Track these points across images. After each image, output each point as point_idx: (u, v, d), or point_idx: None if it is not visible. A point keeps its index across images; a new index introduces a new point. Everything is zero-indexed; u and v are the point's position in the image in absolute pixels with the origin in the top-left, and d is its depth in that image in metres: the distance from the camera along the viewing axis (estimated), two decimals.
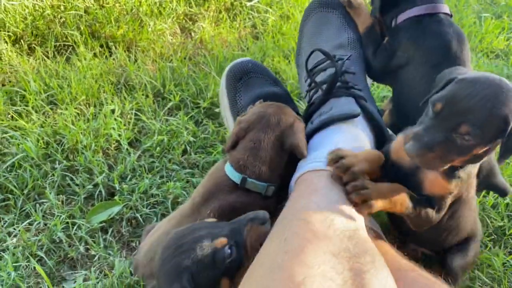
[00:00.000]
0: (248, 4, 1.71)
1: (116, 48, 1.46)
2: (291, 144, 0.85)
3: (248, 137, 0.87)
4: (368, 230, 0.87)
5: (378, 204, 0.73)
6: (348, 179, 0.75)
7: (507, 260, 1.04)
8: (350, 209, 0.70)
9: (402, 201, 0.75)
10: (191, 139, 1.21)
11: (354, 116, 0.87)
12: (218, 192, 0.84)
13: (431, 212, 0.78)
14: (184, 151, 1.21)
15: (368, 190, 0.73)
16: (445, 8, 1.00)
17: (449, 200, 0.80)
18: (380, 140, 0.92)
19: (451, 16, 1.01)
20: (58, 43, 1.47)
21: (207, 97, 1.31)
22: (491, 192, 1.16)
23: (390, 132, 1.06)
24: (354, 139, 0.85)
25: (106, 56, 1.44)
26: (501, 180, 1.01)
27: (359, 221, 0.70)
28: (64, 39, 1.48)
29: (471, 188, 0.86)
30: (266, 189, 0.85)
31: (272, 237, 0.66)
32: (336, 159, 0.77)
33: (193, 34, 1.61)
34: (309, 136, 0.90)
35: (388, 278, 0.61)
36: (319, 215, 0.66)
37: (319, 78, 0.98)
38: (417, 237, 0.95)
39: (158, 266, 0.72)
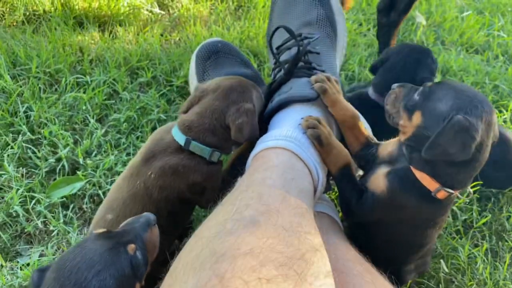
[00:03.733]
0: None
1: (88, 20, 1.40)
2: (229, 121, 0.82)
3: (199, 102, 0.85)
4: (323, 216, 0.87)
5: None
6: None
7: (472, 252, 1.05)
8: (304, 190, 0.69)
9: (336, 163, 0.81)
10: (162, 117, 1.18)
11: (311, 99, 0.86)
12: (160, 152, 0.81)
13: (354, 199, 0.80)
14: (154, 129, 1.16)
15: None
16: None
17: (376, 204, 0.79)
18: (339, 126, 0.90)
19: None
20: (27, 12, 1.41)
21: (180, 75, 1.27)
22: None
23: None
24: None
25: (78, 30, 1.39)
26: None
27: (310, 203, 0.69)
28: (34, 8, 1.41)
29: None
30: (210, 154, 0.82)
31: (224, 205, 0.64)
32: (314, 125, 0.81)
33: (171, 10, 1.56)
34: (269, 115, 0.89)
35: (330, 272, 0.59)
36: (273, 190, 0.64)
37: (284, 56, 0.95)
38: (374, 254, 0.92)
39: None
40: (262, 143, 0.80)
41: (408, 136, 0.78)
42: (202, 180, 0.82)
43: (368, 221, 0.85)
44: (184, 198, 0.83)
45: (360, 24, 1.65)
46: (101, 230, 0.65)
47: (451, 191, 0.74)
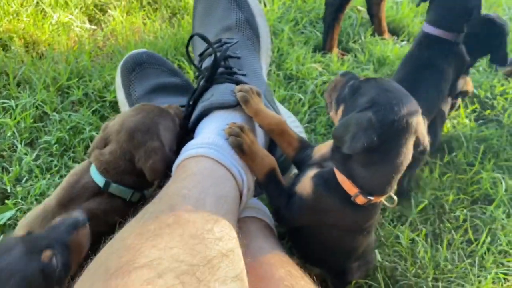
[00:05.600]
0: None
1: (13, 42, 1.36)
2: (140, 165, 0.80)
3: (111, 144, 0.82)
4: (254, 220, 0.86)
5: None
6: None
7: (413, 237, 1.07)
8: (224, 196, 0.69)
9: (261, 169, 0.80)
10: (94, 134, 1.15)
11: (231, 105, 0.85)
12: (78, 197, 0.79)
13: (282, 203, 0.80)
14: (87, 148, 1.14)
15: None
16: None
17: (303, 207, 0.79)
18: None
19: None
20: None
21: (113, 89, 1.25)
22: None
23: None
24: None
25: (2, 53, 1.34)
26: None
27: (229, 209, 0.68)
28: None
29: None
30: (131, 195, 0.82)
31: (132, 220, 0.63)
32: (236, 134, 0.79)
33: (103, 25, 1.53)
34: (194, 123, 0.88)
35: (242, 273, 0.58)
36: (186, 200, 0.64)
37: (206, 63, 0.95)
38: (317, 259, 0.93)
39: None
40: (184, 153, 0.79)
41: None
42: (123, 219, 0.79)
43: (300, 225, 0.85)
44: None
45: (296, 23, 1.66)
46: (21, 233, 0.65)
47: (370, 197, 0.74)
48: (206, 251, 0.55)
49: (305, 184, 0.79)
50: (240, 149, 0.79)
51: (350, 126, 0.69)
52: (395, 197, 0.79)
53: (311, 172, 0.80)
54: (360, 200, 0.74)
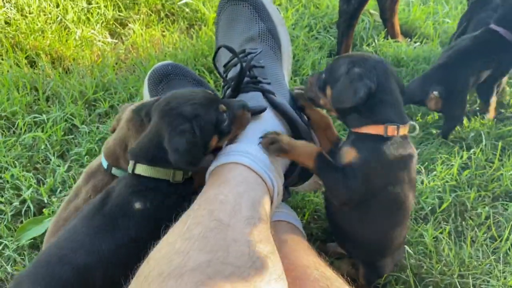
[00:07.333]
0: (179, 3, 1.69)
1: (40, 58, 1.41)
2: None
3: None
4: (284, 224, 0.89)
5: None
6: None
7: (437, 236, 1.08)
8: (257, 201, 0.72)
9: (309, 156, 0.84)
10: None
11: (260, 111, 0.88)
12: (96, 172, 0.92)
13: (340, 180, 0.82)
14: None
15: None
16: None
17: (357, 174, 0.81)
18: (295, 132, 0.93)
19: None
20: None
21: (137, 101, 1.29)
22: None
23: None
24: (261, 133, 0.86)
25: (31, 70, 1.39)
26: None
27: (264, 213, 0.71)
28: None
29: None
30: None
31: (176, 225, 0.66)
32: (273, 140, 0.83)
33: (123, 38, 1.58)
34: None
35: (283, 273, 0.62)
36: (224, 205, 0.67)
37: (231, 73, 0.98)
38: (357, 247, 0.96)
39: (168, 107, 0.79)
40: (216, 160, 0.82)
41: (335, 112, 0.88)
42: None
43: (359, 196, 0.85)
44: None
45: (311, 28, 1.70)
46: (209, 91, 0.85)
47: (394, 125, 0.81)
48: (249, 253, 0.58)
49: (348, 151, 0.83)
50: (283, 151, 0.83)
51: (346, 85, 0.81)
52: (416, 125, 0.91)
53: (347, 143, 0.86)
54: (391, 131, 0.81)
